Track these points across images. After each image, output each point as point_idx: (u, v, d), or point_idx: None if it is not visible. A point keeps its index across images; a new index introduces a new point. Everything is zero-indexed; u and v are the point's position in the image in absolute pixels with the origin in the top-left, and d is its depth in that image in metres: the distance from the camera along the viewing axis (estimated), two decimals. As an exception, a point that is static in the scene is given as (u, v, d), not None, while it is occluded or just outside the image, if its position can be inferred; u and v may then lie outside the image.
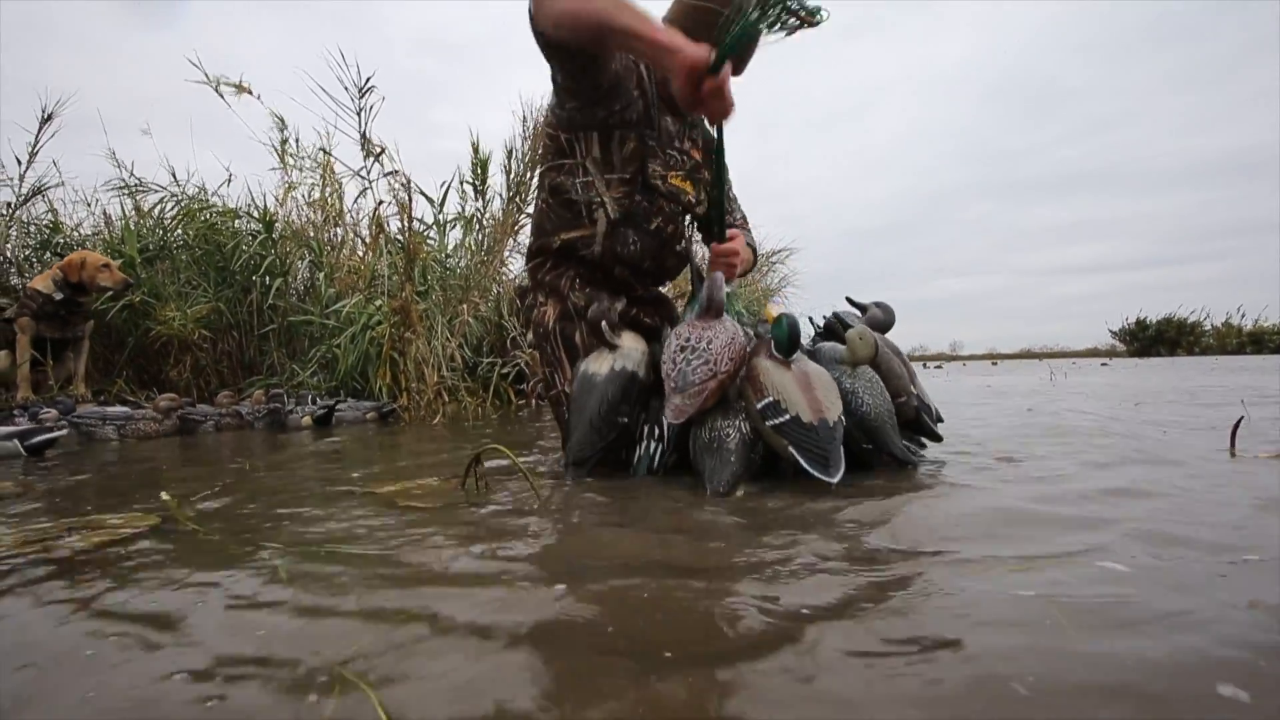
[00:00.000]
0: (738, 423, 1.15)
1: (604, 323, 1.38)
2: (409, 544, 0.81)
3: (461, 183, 4.15)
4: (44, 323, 3.02)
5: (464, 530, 0.87)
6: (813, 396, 1.11)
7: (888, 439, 1.23)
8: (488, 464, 1.28)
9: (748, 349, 1.27)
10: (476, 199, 4.14)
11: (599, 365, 1.32)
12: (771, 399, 1.10)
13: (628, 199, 1.74)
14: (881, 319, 1.59)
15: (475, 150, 4.12)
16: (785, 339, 1.19)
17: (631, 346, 1.33)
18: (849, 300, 1.67)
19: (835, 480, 1.03)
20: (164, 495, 1.00)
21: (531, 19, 1.47)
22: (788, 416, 1.08)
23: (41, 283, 3.03)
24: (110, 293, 3.07)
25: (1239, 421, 1.50)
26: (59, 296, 2.96)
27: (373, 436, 2.18)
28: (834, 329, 1.59)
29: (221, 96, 3.63)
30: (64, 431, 1.92)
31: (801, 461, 1.05)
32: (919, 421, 1.41)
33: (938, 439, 1.45)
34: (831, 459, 1.05)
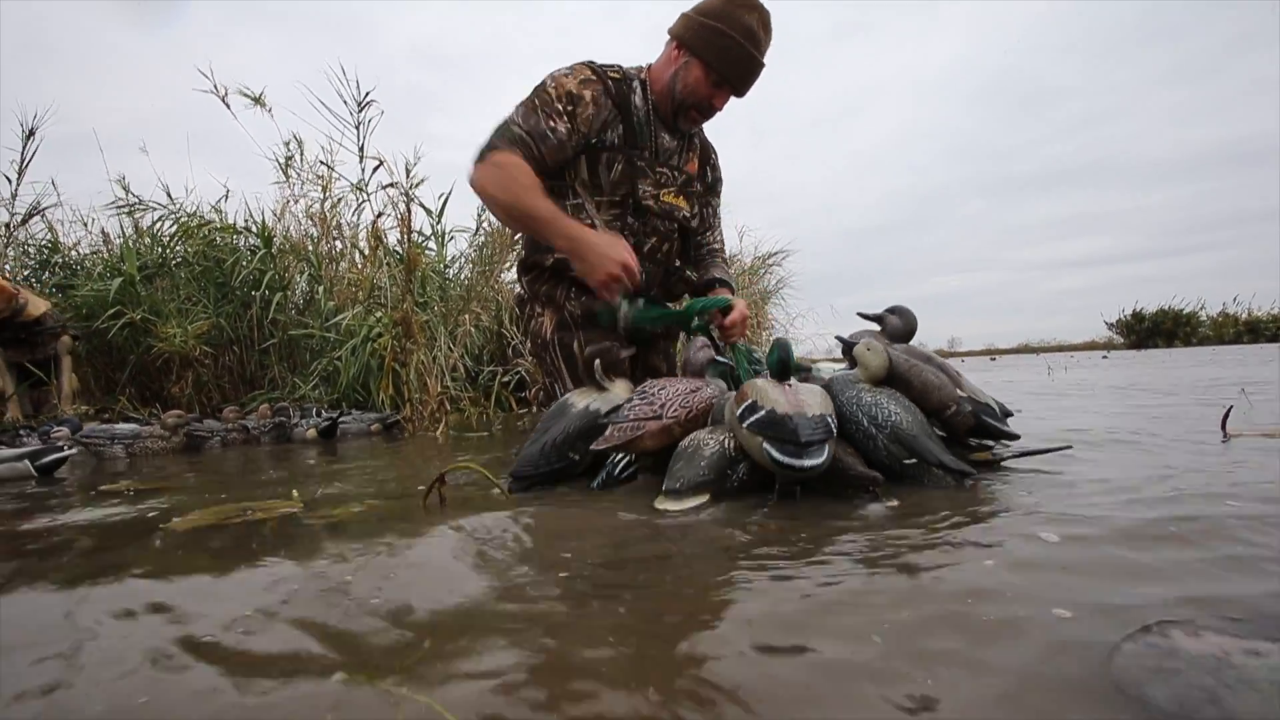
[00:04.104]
0: (722, 438, 1.11)
1: (596, 362, 1.40)
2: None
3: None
4: (9, 349, 3.06)
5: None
6: (795, 398, 1.07)
7: (928, 449, 1.11)
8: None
9: (714, 401, 1.27)
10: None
11: (579, 398, 1.35)
12: (750, 401, 1.06)
13: (619, 221, 1.73)
14: (900, 327, 1.42)
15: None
16: (776, 364, 1.17)
17: (616, 395, 1.35)
18: (861, 315, 1.52)
19: (806, 465, 0.96)
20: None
21: (470, 183, 1.63)
22: (763, 412, 1.03)
23: None
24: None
25: None
26: None
27: (377, 447, 2.20)
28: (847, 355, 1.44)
29: (228, 107, 3.65)
30: (73, 450, 1.94)
31: (772, 451, 0.99)
32: (982, 425, 1.23)
33: (1013, 437, 1.27)
34: (807, 446, 0.98)
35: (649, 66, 1.78)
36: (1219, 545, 0.74)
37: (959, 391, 1.23)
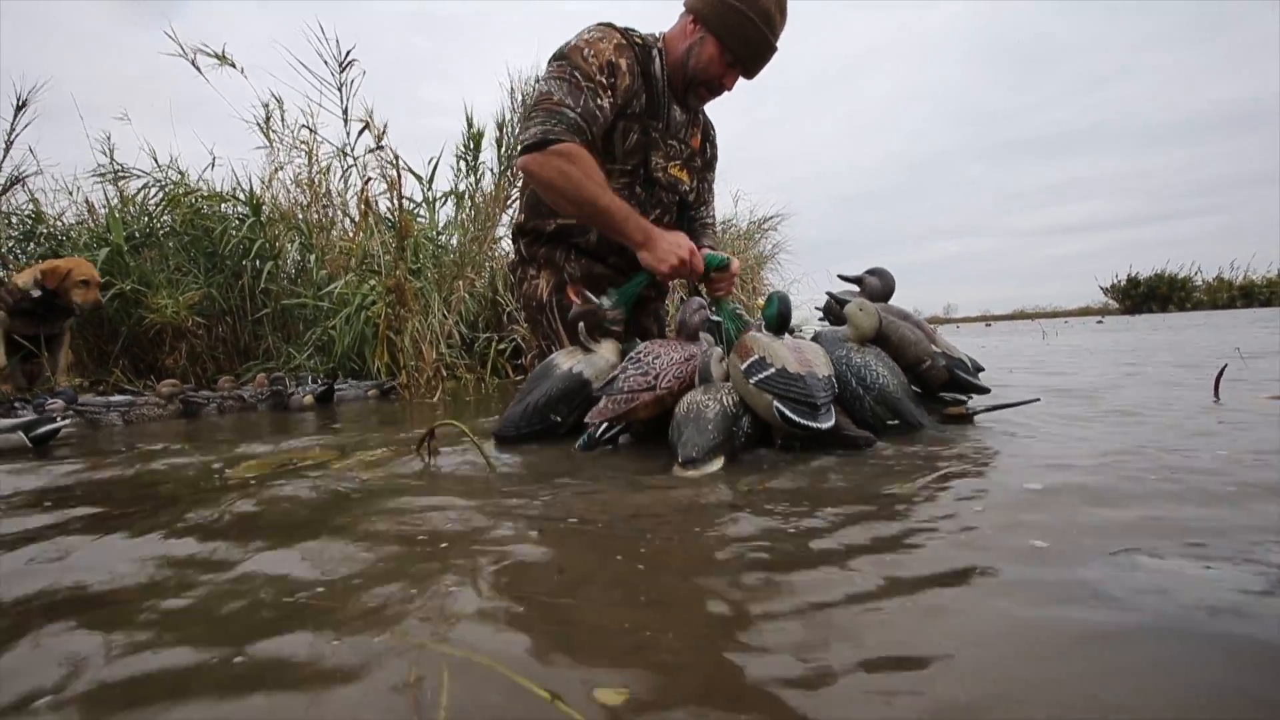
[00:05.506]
0: (720, 397, 1.08)
1: (582, 324, 1.39)
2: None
3: (458, 159, 4.08)
4: (19, 319, 3.01)
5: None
6: (801, 356, 1.07)
7: (911, 412, 1.17)
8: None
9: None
10: (468, 175, 4.08)
11: (564, 360, 1.34)
12: (757, 357, 1.05)
13: (628, 190, 1.70)
14: (879, 288, 1.46)
15: (469, 124, 3.99)
16: (775, 317, 1.17)
17: (601, 357, 1.35)
18: (841, 277, 1.53)
19: (824, 426, 0.97)
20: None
21: (524, 170, 1.53)
22: (772, 369, 1.02)
23: (23, 279, 3.00)
24: (77, 309, 3.04)
25: None
26: (36, 294, 2.95)
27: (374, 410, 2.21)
28: (832, 310, 1.49)
29: (199, 70, 3.54)
30: (67, 421, 1.94)
31: (786, 411, 0.98)
32: (956, 380, 1.28)
33: (984, 391, 1.33)
34: (821, 408, 0.98)
35: (664, 35, 1.73)
36: (1193, 498, 0.75)
37: (933, 347, 1.27)
